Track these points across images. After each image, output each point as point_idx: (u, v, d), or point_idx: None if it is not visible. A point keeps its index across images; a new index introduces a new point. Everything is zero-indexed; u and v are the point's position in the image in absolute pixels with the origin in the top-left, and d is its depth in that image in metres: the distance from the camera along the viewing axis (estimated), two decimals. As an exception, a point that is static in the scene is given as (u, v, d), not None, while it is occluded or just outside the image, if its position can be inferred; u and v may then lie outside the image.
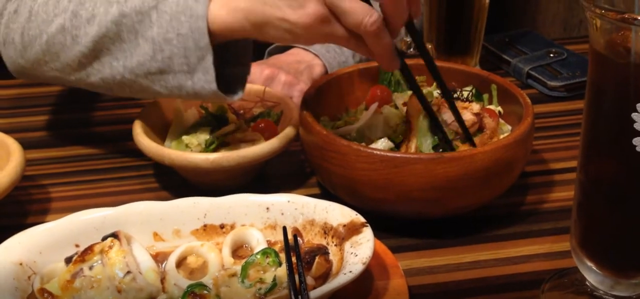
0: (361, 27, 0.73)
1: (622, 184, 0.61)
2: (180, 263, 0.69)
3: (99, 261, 0.66)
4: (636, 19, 0.55)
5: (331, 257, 0.68)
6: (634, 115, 0.56)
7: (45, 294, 0.64)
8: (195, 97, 0.79)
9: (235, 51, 0.80)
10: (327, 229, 0.69)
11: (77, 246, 0.68)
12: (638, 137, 0.57)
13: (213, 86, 0.77)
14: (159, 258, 0.69)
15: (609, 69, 0.59)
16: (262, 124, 0.87)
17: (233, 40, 0.79)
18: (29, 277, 0.65)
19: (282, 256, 0.67)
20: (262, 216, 0.71)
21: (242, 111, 0.90)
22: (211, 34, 0.76)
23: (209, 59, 0.76)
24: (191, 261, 0.69)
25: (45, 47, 0.81)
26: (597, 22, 0.57)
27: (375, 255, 0.67)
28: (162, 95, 0.81)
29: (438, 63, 0.91)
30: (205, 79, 0.77)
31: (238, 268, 0.67)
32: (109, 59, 0.79)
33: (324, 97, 0.86)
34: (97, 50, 0.79)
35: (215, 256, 0.69)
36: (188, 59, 0.76)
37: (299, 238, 0.69)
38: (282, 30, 0.75)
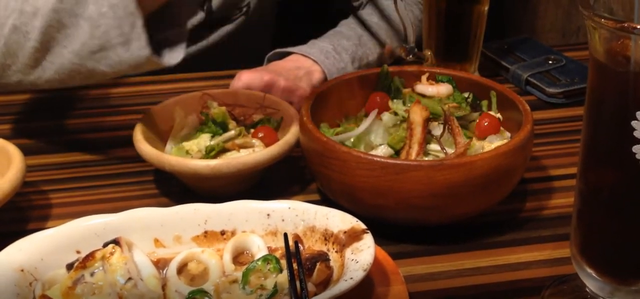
0: None
1: (621, 192, 0.61)
2: (181, 269, 0.69)
3: (100, 268, 0.66)
4: (635, 27, 0.55)
5: (332, 263, 0.68)
6: (634, 123, 0.57)
7: (47, 301, 0.64)
8: (136, 68, 0.81)
9: (170, 14, 0.82)
10: (327, 236, 0.70)
11: (78, 252, 0.68)
12: (637, 145, 0.57)
13: (146, 51, 0.79)
14: (160, 264, 0.69)
15: (609, 77, 0.59)
16: (263, 131, 0.87)
17: (166, 3, 0.81)
18: (30, 284, 0.65)
19: (283, 262, 0.67)
20: (262, 223, 0.71)
21: (242, 117, 0.90)
22: (140, 2, 0.78)
23: (139, 23, 0.78)
24: (192, 267, 0.69)
25: (5, 50, 0.84)
26: (597, 30, 0.58)
27: (376, 261, 0.67)
28: (108, 75, 0.83)
29: (436, 70, 0.92)
30: (138, 45, 0.79)
31: (239, 274, 0.67)
32: (58, 49, 0.82)
33: (323, 104, 0.86)
34: (46, 42, 0.82)
35: (216, 263, 0.69)
36: (122, 29, 0.78)
37: (299, 245, 0.70)
38: None
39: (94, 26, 0.79)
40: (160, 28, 0.82)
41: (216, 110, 0.88)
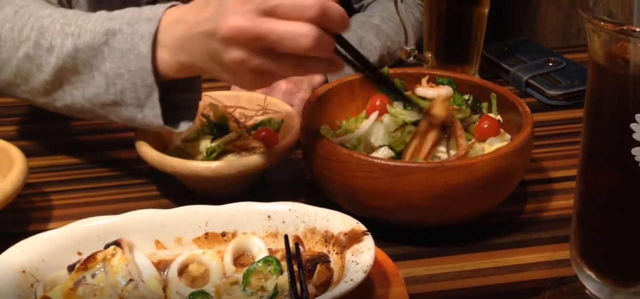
0: (300, 48, 0.70)
1: (621, 194, 0.61)
2: (182, 271, 0.69)
3: (102, 269, 0.66)
4: (634, 30, 0.55)
5: (332, 265, 0.68)
6: (633, 125, 0.57)
7: (48, 302, 0.64)
8: (147, 128, 0.82)
9: (186, 79, 0.82)
10: (328, 238, 0.70)
11: (79, 253, 0.69)
12: (637, 148, 0.57)
13: (160, 121, 0.79)
14: (161, 265, 0.69)
15: (608, 79, 0.59)
16: (263, 133, 0.87)
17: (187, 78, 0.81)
18: (31, 285, 0.66)
19: (284, 264, 0.68)
20: (263, 224, 0.72)
21: (243, 119, 0.91)
22: (158, 72, 0.78)
23: (155, 96, 0.79)
24: (193, 269, 0.70)
25: (16, 71, 0.84)
26: (596, 33, 0.58)
27: (376, 263, 0.68)
28: (118, 123, 0.83)
29: (437, 72, 0.92)
30: (153, 114, 0.79)
31: (240, 276, 0.67)
32: (69, 88, 0.82)
33: (324, 106, 0.87)
34: (58, 79, 0.82)
35: (217, 264, 0.69)
36: (138, 94, 0.79)
37: (300, 246, 0.70)
38: (226, 80, 0.77)
39: (109, 83, 0.79)
40: (175, 90, 0.82)
41: (217, 112, 0.88)
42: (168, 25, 0.77)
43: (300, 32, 0.69)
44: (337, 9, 0.71)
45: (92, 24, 0.80)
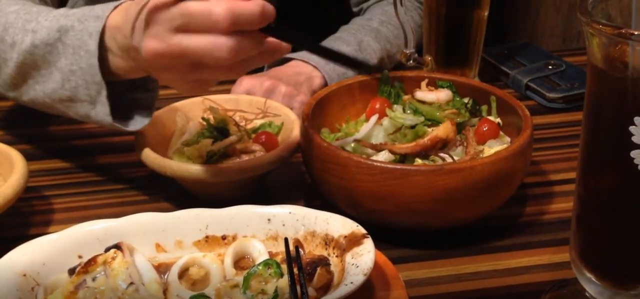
0: (219, 60, 0.67)
1: (620, 197, 0.61)
2: (183, 274, 0.70)
3: (102, 272, 0.67)
4: (633, 34, 0.55)
5: (332, 268, 0.68)
6: (632, 128, 0.57)
7: (49, 305, 0.64)
8: (101, 125, 0.82)
9: (143, 78, 0.81)
10: (328, 241, 0.70)
11: (80, 257, 0.69)
12: (636, 150, 0.57)
13: (109, 118, 0.80)
14: (161, 269, 0.70)
15: (607, 82, 0.59)
16: (263, 136, 0.87)
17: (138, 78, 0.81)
18: (32, 288, 0.66)
19: (284, 267, 0.68)
20: (263, 227, 0.72)
21: (243, 123, 0.91)
22: (110, 71, 0.78)
23: (104, 94, 0.79)
24: (193, 272, 0.70)
25: None
26: (595, 36, 0.58)
27: (376, 266, 0.68)
28: (75, 119, 0.84)
29: (437, 75, 0.92)
30: (103, 111, 0.80)
31: (240, 279, 0.67)
32: (32, 82, 0.84)
33: (324, 109, 0.87)
34: (22, 74, 0.84)
35: (217, 267, 0.69)
36: (89, 91, 0.79)
37: (300, 249, 0.70)
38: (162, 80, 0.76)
39: (64, 78, 0.80)
40: (132, 88, 0.83)
41: (217, 115, 0.88)
42: (110, 29, 0.77)
43: (217, 46, 0.66)
44: (249, 9, 0.66)
45: (49, 21, 0.81)
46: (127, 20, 0.74)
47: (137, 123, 0.82)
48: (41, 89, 0.83)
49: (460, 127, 0.85)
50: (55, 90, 0.82)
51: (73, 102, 0.81)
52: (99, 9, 0.79)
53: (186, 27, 0.67)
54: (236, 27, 0.66)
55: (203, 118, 0.89)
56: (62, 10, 0.83)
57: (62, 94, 0.81)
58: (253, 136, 0.88)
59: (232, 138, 0.86)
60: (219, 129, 0.88)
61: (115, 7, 0.78)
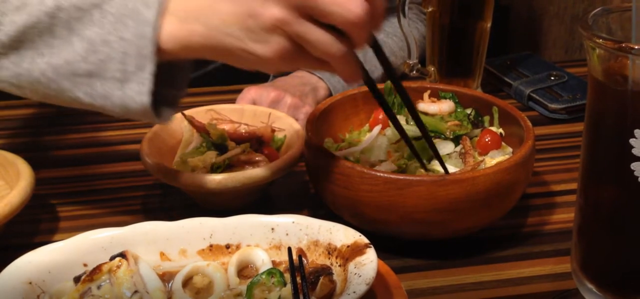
0: (329, 56, 0.68)
1: (621, 209, 0.62)
2: (187, 282, 0.70)
3: (107, 281, 0.67)
4: (633, 48, 0.56)
5: (335, 277, 0.69)
6: (632, 141, 0.57)
7: (55, 313, 0.65)
8: (120, 110, 0.71)
9: (172, 72, 0.74)
10: (331, 250, 0.70)
11: (85, 265, 0.69)
12: (636, 163, 0.58)
13: (145, 98, 0.70)
14: (166, 277, 0.70)
15: (607, 95, 0.60)
16: (266, 151, 0.88)
17: (174, 61, 0.73)
18: (38, 296, 0.66)
19: (287, 276, 0.68)
20: (267, 237, 0.72)
21: (247, 134, 0.91)
22: (158, 46, 0.69)
23: (149, 69, 0.69)
24: (197, 280, 0.70)
25: None
26: (595, 50, 0.59)
27: (379, 276, 0.68)
28: (79, 102, 0.72)
29: (440, 86, 0.93)
30: (138, 89, 0.69)
31: (243, 287, 0.68)
32: (31, 53, 0.71)
33: (328, 119, 0.87)
34: (19, 41, 0.71)
35: (221, 276, 0.70)
36: (125, 66, 0.69)
37: (303, 258, 0.70)
38: (245, 60, 0.69)
39: (89, 50, 0.69)
40: (161, 83, 0.73)
41: (216, 132, 0.88)
42: None
43: (331, 42, 0.66)
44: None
45: None
46: None
47: (164, 117, 0.73)
48: (45, 62, 0.70)
49: (458, 138, 0.85)
50: (69, 62, 0.70)
51: (92, 77, 0.70)
52: None
53: None
54: (356, 33, 0.67)
55: (201, 134, 0.89)
56: None
57: (79, 67, 0.70)
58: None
59: (237, 150, 0.87)
60: (216, 145, 0.87)
61: None
